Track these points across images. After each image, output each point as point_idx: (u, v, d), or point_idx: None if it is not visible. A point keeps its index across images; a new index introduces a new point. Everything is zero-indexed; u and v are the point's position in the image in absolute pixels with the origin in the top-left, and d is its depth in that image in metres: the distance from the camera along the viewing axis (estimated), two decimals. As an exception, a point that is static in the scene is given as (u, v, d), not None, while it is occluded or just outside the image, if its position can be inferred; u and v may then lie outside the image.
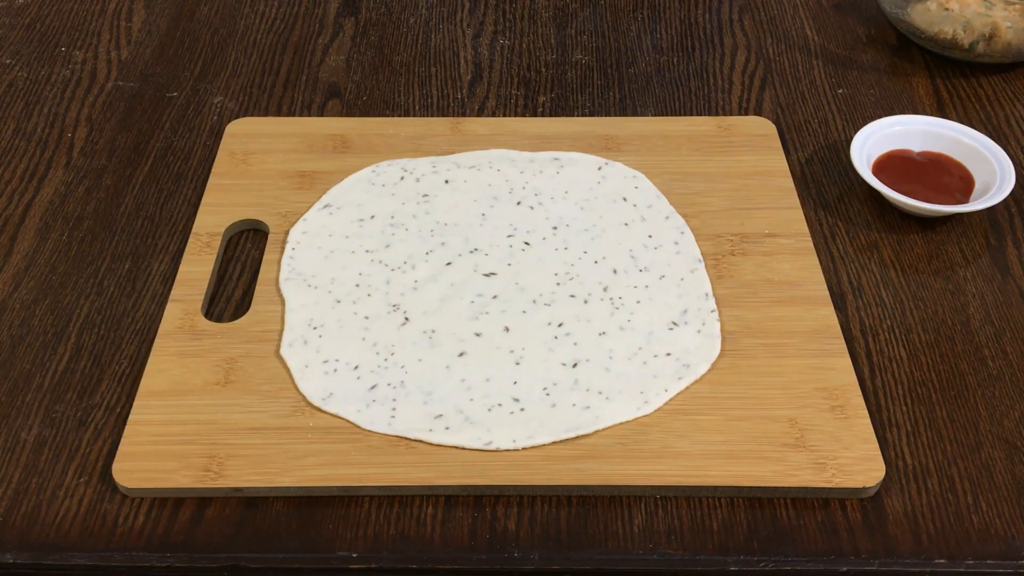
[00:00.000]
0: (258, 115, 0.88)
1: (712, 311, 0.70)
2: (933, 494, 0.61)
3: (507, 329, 0.68)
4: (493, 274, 0.72)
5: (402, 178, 0.79)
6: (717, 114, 0.88)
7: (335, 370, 0.66)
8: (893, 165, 0.80)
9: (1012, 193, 0.79)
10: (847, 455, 0.61)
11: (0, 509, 0.60)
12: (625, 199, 0.78)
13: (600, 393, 0.65)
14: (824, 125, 0.87)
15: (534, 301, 0.70)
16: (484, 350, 0.67)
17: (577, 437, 0.62)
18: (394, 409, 0.64)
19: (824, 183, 0.82)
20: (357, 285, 0.72)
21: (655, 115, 0.88)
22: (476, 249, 0.74)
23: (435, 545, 0.59)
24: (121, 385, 0.67)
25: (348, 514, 0.60)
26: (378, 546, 0.59)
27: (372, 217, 0.77)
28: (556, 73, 0.93)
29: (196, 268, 0.73)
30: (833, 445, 0.62)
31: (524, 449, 0.62)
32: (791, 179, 0.80)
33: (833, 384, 0.65)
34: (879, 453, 0.62)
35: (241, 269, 0.74)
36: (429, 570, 0.58)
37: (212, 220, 0.76)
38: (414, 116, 0.88)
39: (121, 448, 0.62)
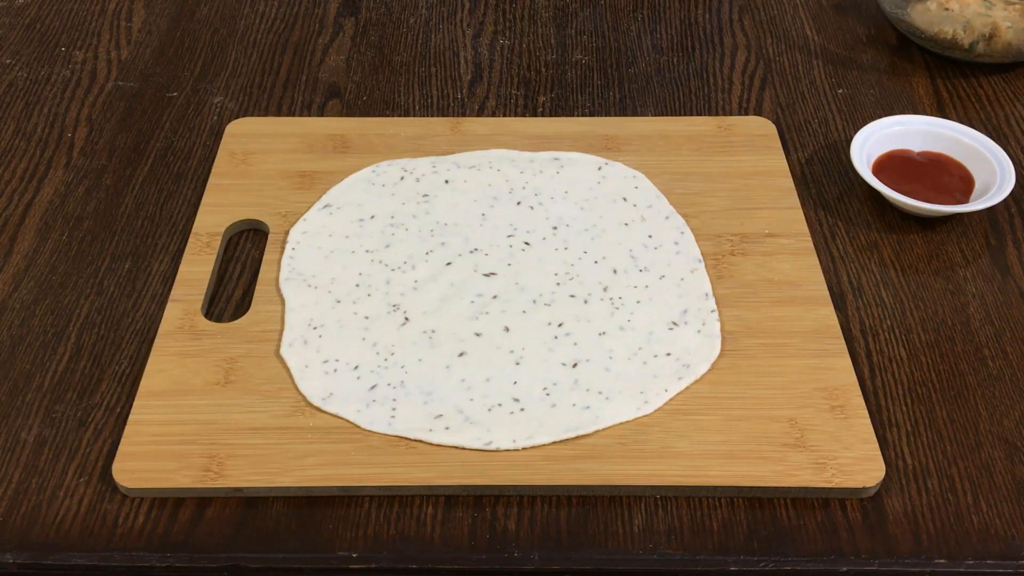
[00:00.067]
0: (258, 115, 0.88)
1: (712, 311, 0.70)
2: (933, 494, 0.61)
3: (507, 329, 0.68)
4: (493, 274, 0.72)
5: (402, 178, 0.79)
6: (717, 114, 0.88)
7: (335, 370, 0.66)
8: (893, 165, 0.80)
9: (1012, 193, 0.79)
10: (847, 455, 0.61)
11: (0, 509, 0.60)
12: (625, 199, 0.78)
13: (600, 393, 0.65)
14: (824, 125, 0.87)
15: (534, 301, 0.70)
16: (484, 350, 0.67)
17: (577, 437, 0.62)
18: (394, 409, 0.64)
19: (824, 183, 0.82)
20: (357, 285, 0.72)
21: (655, 115, 0.88)
22: (476, 249, 0.74)
23: (435, 545, 0.59)
24: (121, 385, 0.67)
25: (348, 514, 0.60)
26: (378, 546, 0.59)
27: (372, 217, 0.77)
28: (556, 73, 0.93)
29: (196, 268, 0.73)
30: (833, 445, 0.62)
31: (524, 449, 0.62)
32: (791, 179, 0.80)
33: (833, 384, 0.65)
34: (879, 453, 0.62)
35: (241, 269, 0.74)
36: (429, 570, 0.58)
37: (212, 220, 0.76)
38: (414, 116, 0.88)
39: (121, 448, 0.62)
